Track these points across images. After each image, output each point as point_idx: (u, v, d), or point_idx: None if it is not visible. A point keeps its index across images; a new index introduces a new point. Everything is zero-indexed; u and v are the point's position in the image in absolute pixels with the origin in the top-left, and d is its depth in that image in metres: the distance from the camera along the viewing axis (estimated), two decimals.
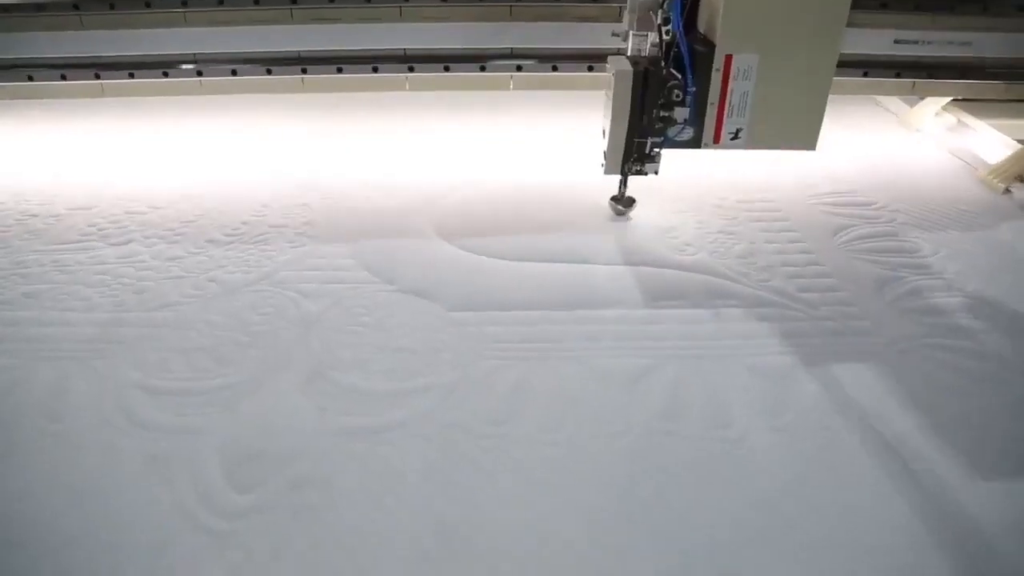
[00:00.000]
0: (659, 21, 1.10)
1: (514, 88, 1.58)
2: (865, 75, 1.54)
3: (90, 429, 0.87)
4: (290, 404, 0.90)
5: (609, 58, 1.19)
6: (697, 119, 1.14)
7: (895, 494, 0.78)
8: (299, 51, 1.54)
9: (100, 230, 1.29)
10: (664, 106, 1.13)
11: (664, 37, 1.10)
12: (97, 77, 1.56)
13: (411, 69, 1.56)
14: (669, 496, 0.78)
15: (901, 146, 1.67)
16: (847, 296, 1.11)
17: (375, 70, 1.56)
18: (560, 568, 0.71)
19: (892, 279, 1.15)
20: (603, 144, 1.23)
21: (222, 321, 1.05)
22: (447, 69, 1.55)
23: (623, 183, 1.32)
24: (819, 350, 0.99)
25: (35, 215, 1.34)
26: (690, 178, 1.48)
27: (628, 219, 1.34)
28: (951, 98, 1.70)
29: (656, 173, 1.25)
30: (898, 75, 1.54)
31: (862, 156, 1.60)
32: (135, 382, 0.94)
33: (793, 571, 0.71)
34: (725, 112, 1.12)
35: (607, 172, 1.24)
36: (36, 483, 0.80)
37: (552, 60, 1.54)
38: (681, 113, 1.13)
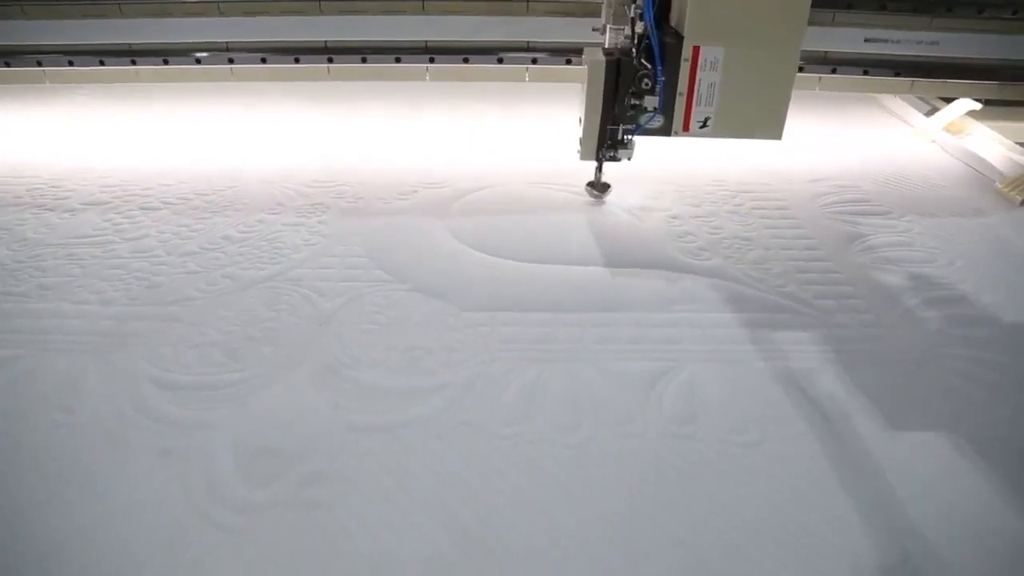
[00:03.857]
0: (632, 15, 1.16)
1: (529, 80, 1.61)
2: (865, 73, 1.57)
3: (102, 422, 0.87)
4: (303, 400, 0.90)
5: (585, 50, 1.24)
6: (667, 108, 1.19)
7: (911, 501, 0.77)
8: (326, 41, 1.59)
9: (115, 225, 1.29)
10: (635, 94, 1.19)
11: (637, 30, 1.16)
12: (133, 63, 1.61)
13: (432, 60, 1.60)
14: (683, 499, 0.78)
15: (917, 156, 1.66)
16: (863, 304, 1.10)
17: (398, 60, 1.61)
18: (573, 569, 0.70)
19: (908, 288, 1.14)
20: (579, 131, 1.28)
21: (236, 317, 1.05)
22: (466, 60, 1.59)
23: (599, 169, 1.38)
24: (835, 357, 0.98)
25: (51, 209, 1.34)
26: (705, 185, 1.48)
27: (604, 203, 1.40)
28: (967, 110, 1.70)
29: (629, 159, 1.30)
30: (897, 74, 1.57)
31: (878, 165, 1.59)
32: (148, 376, 0.94)
33: None
34: (694, 101, 1.17)
35: (582, 158, 1.30)
36: (47, 474, 0.80)
37: (566, 54, 1.58)
38: (651, 101, 1.18)
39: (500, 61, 1.62)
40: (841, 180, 1.52)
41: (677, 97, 1.17)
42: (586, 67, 1.20)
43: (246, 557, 0.71)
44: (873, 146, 1.71)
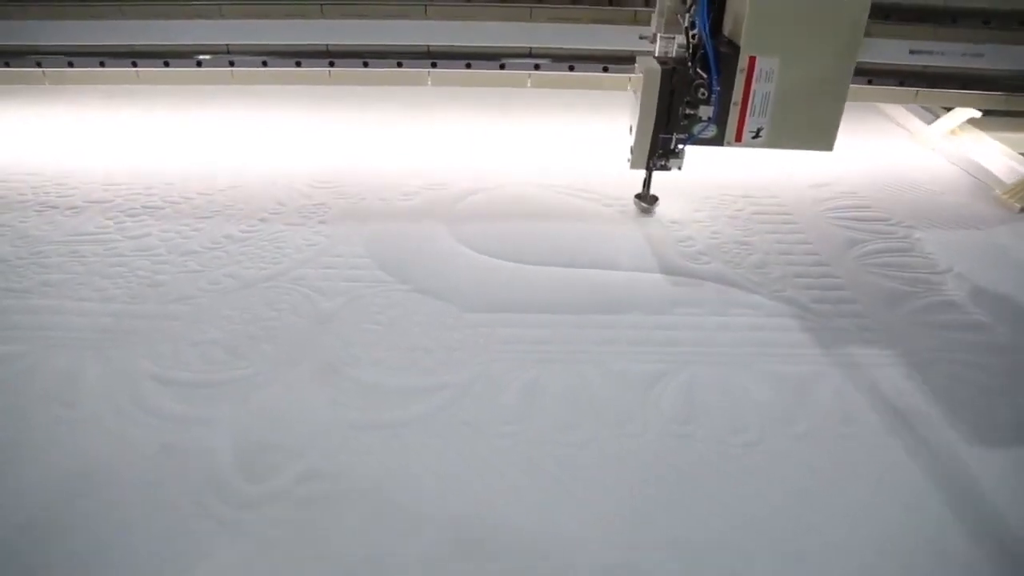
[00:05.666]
0: (686, 24, 1.15)
1: (532, 86, 1.61)
2: (870, 83, 1.58)
3: (103, 417, 0.87)
4: (303, 398, 0.90)
5: (638, 58, 1.24)
6: (720, 118, 1.18)
7: (904, 500, 0.78)
8: (327, 44, 1.60)
9: (118, 223, 1.30)
10: (689, 104, 1.18)
11: (691, 39, 1.15)
12: (134, 65, 1.61)
13: (434, 65, 1.60)
14: (683, 499, 0.78)
15: (917, 163, 1.67)
16: (862, 309, 1.10)
17: (399, 65, 1.61)
18: (572, 569, 0.71)
19: (907, 294, 1.14)
20: (630, 140, 1.27)
21: (237, 316, 1.05)
22: (468, 66, 1.60)
23: (647, 180, 1.37)
24: (833, 361, 0.99)
25: (54, 207, 1.35)
26: (705, 190, 1.48)
27: (650, 217, 1.38)
28: (968, 117, 1.70)
29: (679, 169, 1.29)
30: (901, 84, 1.57)
31: (878, 172, 1.60)
32: (149, 372, 0.94)
33: None
34: (748, 112, 1.16)
35: (633, 167, 1.29)
36: (48, 468, 0.80)
37: (569, 60, 1.59)
38: (706, 111, 1.17)
39: (502, 67, 1.63)
40: (841, 186, 1.52)
41: (731, 107, 1.16)
42: (641, 75, 1.19)
43: (244, 553, 0.71)
44: (874, 153, 1.71)
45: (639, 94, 1.21)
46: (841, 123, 1.88)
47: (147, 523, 0.74)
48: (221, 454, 0.82)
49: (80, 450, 0.82)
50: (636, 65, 1.23)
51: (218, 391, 0.91)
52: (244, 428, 0.85)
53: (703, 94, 1.15)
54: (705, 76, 1.14)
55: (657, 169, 1.31)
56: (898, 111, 1.94)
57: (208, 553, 0.71)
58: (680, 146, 1.26)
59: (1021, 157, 1.57)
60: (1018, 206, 1.43)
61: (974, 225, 1.37)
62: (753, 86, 1.14)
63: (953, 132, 1.73)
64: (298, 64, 1.63)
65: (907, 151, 1.74)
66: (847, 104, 1.95)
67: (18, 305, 1.07)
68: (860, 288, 1.16)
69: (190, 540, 0.72)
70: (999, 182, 1.52)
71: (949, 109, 1.74)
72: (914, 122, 1.86)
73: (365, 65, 1.64)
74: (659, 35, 1.21)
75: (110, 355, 0.97)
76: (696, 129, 1.19)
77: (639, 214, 1.39)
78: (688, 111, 1.19)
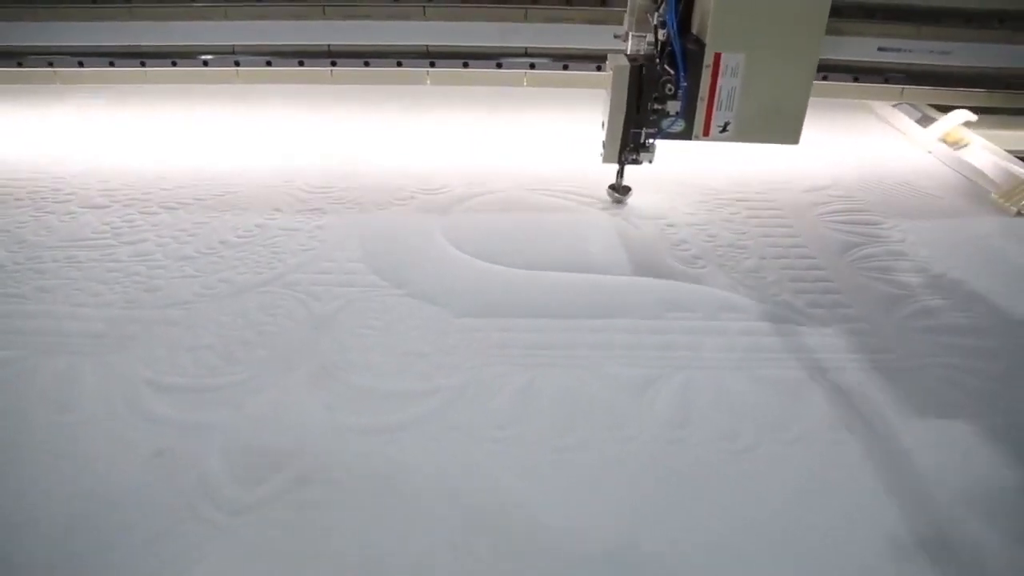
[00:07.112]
0: (655, 22, 1.19)
1: (527, 85, 1.63)
2: (855, 80, 1.59)
3: (100, 421, 0.87)
4: (298, 403, 0.91)
5: (609, 55, 1.27)
6: (688, 113, 1.22)
7: (900, 507, 0.78)
8: (329, 45, 1.63)
9: (114, 229, 1.30)
10: (658, 99, 1.22)
11: (659, 37, 1.19)
12: (142, 65, 1.64)
13: (432, 64, 1.62)
14: (682, 501, 0.78)
15: (912, 166, 1.67)
16: (856, 313, 1.11)
17: (399, 64, 1.64)
18: (571, 570, 0.71)
19: (901, 297, 1.15)
20: (602, 135, 1.31)
21: (231, 321, 1.06)
22: (466, 65, 1.62)
23: (620, 172, 1.40)
24: (827, 365, 0.99)
25: (51, 212, 1.35)
26: (701, 193, 1.48)
27: (624, 206, 1.42)
28: (964, 120, 1.70)
29: (650, 162, 1.33)
30: (886, 81, 1.59)
31: (873, 175, 1.60)
32: (144, 377, 0.94)
33: None
34: (714, 106, 1.20)
35: (605, 161, 1.33)
36: (43, 471, 0.80)
37: (563, 59, 1.61)
38: (673, 106, 1.22)
39: (499, 66, 1.64)
40: (836, 189, 1.53)
41: (698, 102, 1.20)
42: (610, 72, 1.23)
43: (237, 557, 0.71)
44: (868, 155, 1.72)
45: (609, 90, 1.24)
46: (834, 125, 1.90)
47: (140, 527, 0.74)
48: (215, 459, 0.82)
49: (79, 453, 0.82)
50: (607, 62, 1.26)
51: (214, 396, 0.91)
52: (238, 433, 0.86)
53: (670, 90, 1.19)
54: (672, 72, 1.18)
55: (629, 163, 1.34)
56: (891, 113, 1.94)
57: (206, 555, 0.71)
58: (650, 140, 1.29)
59: (1017, 159, 1.57)
60: (1014, 209, 1.43)
61: (969, 228, 1.38)
62: (719, 81, 1.17)
63: (948, 135, 1.74)
64: (301, 64, 1.67)
65: (902, 154, 1.75)
66: (842, 106, 1.97)
67: (14, 310, 1.07)
68: (855, 292, 1.16)
69: (189, 542, 0.72)
70: (995, 185, 1.52)
71: (937, 108, 1.74)
72: (908, 124, 1.86)
73: (366, 65, 1.67)
74: (631, 33, 1.25)
75: (106, 360, 0.97)
76: (665, 124, 1.23)
77: (612, 204, 1.42)
78: (656, 106, 1.22)
